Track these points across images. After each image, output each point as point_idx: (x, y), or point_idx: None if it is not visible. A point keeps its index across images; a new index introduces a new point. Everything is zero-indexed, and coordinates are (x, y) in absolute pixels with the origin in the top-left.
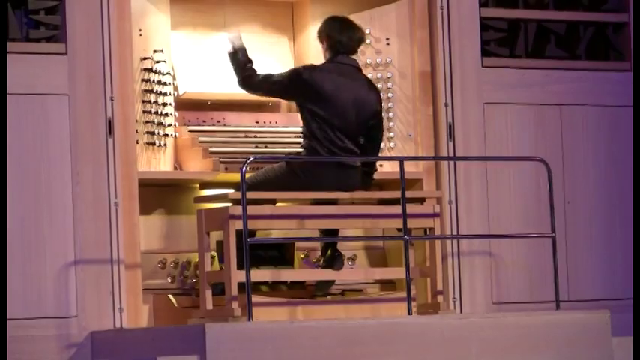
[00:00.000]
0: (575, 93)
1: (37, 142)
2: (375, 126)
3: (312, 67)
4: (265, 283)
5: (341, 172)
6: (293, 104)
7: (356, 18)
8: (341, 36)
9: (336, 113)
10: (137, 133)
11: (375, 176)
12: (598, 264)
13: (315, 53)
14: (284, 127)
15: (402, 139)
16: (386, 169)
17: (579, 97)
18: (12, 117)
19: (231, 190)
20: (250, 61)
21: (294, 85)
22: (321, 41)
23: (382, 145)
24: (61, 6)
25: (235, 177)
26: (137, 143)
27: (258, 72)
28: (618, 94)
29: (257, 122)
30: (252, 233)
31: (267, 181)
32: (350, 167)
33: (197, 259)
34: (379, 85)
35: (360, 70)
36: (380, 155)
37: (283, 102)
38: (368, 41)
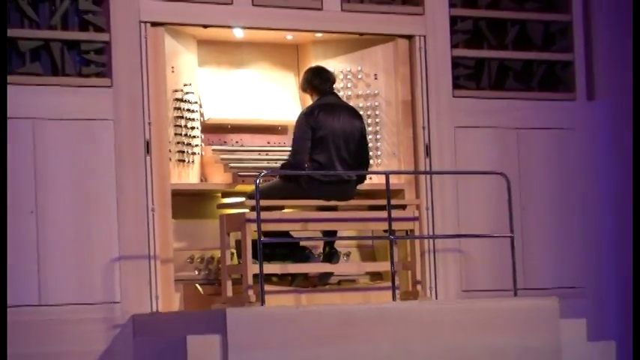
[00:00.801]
0: (530, 119)
1: (88, 158)
2: (363, 147)
3: (310, 112)
4: (275, 274)
5: (338, 187)
6: None
7: (350, 57)
8: (319, 81)
9: (332, 144)
10: (170, 151)
11: (366, 187)
12: (549, 259)
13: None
14: (290, 147)
15: (387, 156)
16: (374, 181)
17: (533, 122)
18: (67, 139)
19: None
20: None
21: (308, 133)
22: (306, 91)
23: (371, 161)
24: (107, 47)
25: (250, 187)
26: (170, 160)
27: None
28: (565, 120)
29: (268, 142)
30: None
31: (278, 192)
32: (345, 182)
33: (219, 255)
34: (368, 112)
35: (339, 98)
36: (369, 169)
37: (290, 126)
38: (359, 76)
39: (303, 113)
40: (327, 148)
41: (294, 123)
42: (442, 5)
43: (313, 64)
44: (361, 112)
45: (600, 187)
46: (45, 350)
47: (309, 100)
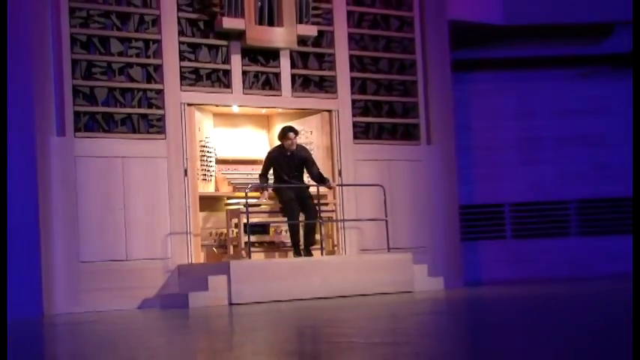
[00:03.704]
0: (396, 155)
1: (153, 178)
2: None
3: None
4: (256, 242)
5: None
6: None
7: (298, 122)
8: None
9: None
10: (198, 174)
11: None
12: (406, 232)
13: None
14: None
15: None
16: (313, 189)
17: (398, 157)
18: (141, 168)
19: (241, 200)
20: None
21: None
22: (281, 139)
23: (306, 179)
24: (163, 117)
25: (243, 194)
26: (198, 179)
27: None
28: (415, 155)
29: (252, 169)
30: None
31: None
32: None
33: (226, 231)
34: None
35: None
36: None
37: (262, 161)
38: (303, 133)
39: (305, 148)
40: None
41: (308, 153)
42: (346, 93)
43: (282, 125)
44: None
45: (433, 194)
46: (128, 285)
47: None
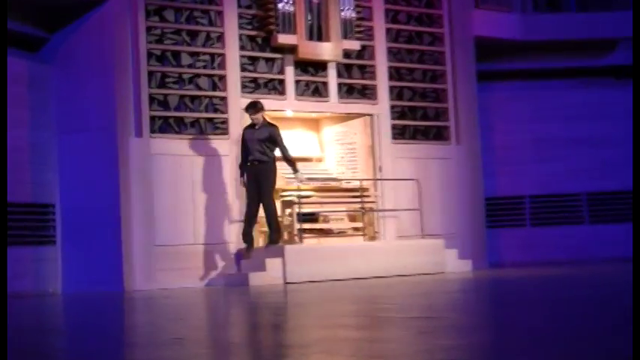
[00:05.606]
0: (429, 154)
1: (216, 174)
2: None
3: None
4: (308, 229)
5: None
6: None
7: (343, 124)
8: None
9: None
10: None
11: (351, 185)
12: (438, 220)
13: (325, 142)
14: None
15: (361, 171)
16: (356, 182)
17: (431, 155)
18: (209, 163)
19: (294, 193)
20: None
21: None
22: (259, 112)
23: (352, 173)
24: (226, 120)
25: (296, 187)
26: None
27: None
28: (446, 154)
29: (304, 167)
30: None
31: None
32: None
33: (281, 220)
34: (353, 152)
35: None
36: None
37: (314, 158)
38: (348, 133)
39: (273, 125)
40: None
41: (278, 132)
42: (386, 99)
43: (328, 127)
44: (347, 151)
45: (461, 187)
46: (195, 265)
47: (326, 143)
